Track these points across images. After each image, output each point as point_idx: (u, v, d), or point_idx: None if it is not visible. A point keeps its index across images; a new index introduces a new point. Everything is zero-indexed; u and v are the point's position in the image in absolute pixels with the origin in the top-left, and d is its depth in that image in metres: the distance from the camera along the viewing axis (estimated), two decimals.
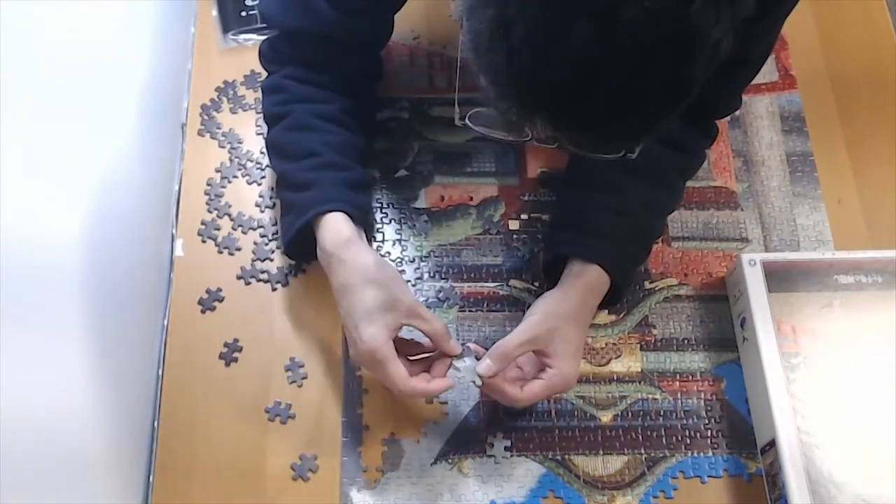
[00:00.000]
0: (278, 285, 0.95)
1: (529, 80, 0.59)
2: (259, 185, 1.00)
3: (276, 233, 0.97)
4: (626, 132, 0.64)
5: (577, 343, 0.86)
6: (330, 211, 0.86)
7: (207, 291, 0.95)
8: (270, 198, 0.99)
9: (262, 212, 0.99)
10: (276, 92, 0.93)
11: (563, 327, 0.85)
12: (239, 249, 0.97)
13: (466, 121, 0.75)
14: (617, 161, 0.69)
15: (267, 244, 0.97)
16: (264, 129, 0.99)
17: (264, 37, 0.96)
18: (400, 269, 0.97)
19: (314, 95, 0.91)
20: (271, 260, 0.97)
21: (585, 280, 0.88)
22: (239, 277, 0.95)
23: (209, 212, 0.99)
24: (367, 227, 0.91)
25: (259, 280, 0.96)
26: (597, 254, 0.88)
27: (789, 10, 0.84)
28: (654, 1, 0.55)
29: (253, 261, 0.96)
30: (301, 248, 0.90)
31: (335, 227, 0.86)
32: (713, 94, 0.89)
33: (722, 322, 0.96)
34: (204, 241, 0.97)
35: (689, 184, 1.02)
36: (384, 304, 0.82)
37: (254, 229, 0.98)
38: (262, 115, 0.99)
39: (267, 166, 1.00)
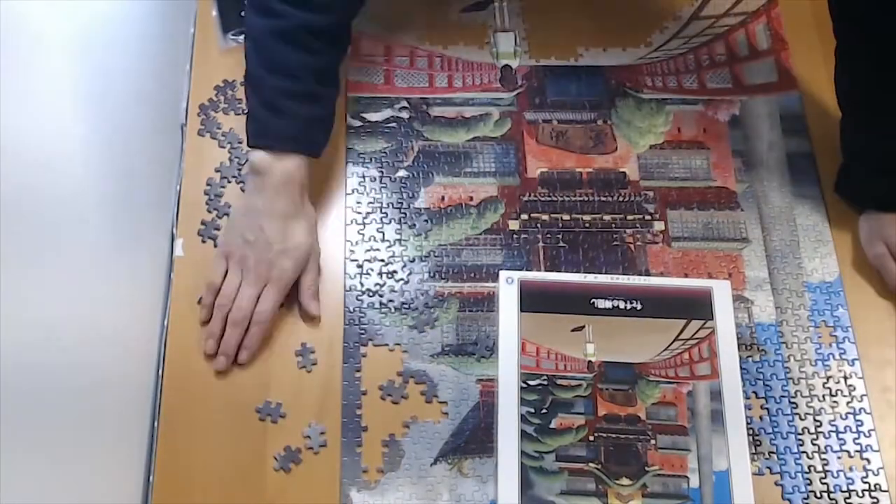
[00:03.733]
0: None
1: None
2: None
3: None
4: None
5: None
6: (297, 152, 0.91)
7: None
8: None
9: None
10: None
11: None
12: None
13: None
14: None
15: None
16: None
17: None
18: (399, 269, 0.97)
19: (311, 3, 0.90)
20: None
21: None
22: None
23: (209, 212, 0.99)
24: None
25: None
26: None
27: None
28: None
29: None
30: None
31: (297, 166, 0.91)
32: None
33: None
34: (204, 241, 0.97)
35: (689, 184, 1.03)
36: (305, 249, 0.92)
37: None
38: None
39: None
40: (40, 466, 0.68)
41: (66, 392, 0.75)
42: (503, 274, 0.93)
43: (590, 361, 0.90)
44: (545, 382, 0.89)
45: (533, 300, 0.91)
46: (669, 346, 0.91)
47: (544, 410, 0.88)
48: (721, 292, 0.93)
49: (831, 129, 1.04)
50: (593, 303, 0.92)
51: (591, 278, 0.93)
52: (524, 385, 0.88)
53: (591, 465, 0.86)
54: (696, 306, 0.92)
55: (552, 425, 0.88)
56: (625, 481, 0.86)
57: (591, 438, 0.87)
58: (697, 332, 0.91)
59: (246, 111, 0.96)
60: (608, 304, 0.92)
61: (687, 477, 0.86)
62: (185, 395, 0.90)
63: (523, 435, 0.86)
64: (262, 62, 0.92)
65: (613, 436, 0.88)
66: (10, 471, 0.62)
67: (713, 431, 0.87)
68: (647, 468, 0.86)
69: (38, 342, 0.70)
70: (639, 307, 0.92)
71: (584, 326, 0.91)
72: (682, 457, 0.87)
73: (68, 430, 0.75)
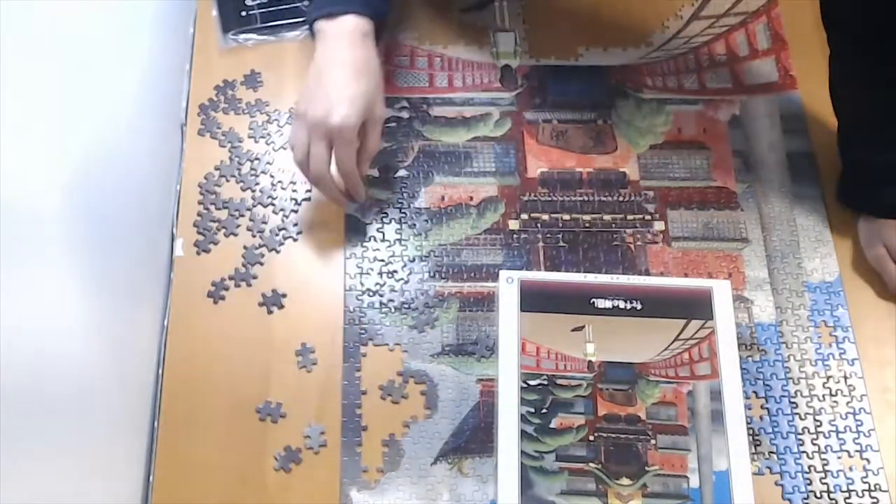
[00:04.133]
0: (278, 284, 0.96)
1: None
2: (258, 184, 1.00)
3: (276, 232, 0.97)
4: None
5: None
6: (356, 13, 0.92)
7: (207, 291, 0.95)
8: (269, 196, 0.99)
9: (263, 210, 0.99)
10: None
11: None
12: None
13: None
14: None
15: (267, 244, 0.97)
16: (267, 128, 1.00)
17: (268, 36, 0.96)
18: (400, 268, 0.97)
19: None
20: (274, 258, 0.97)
21: None
22: (240, 278, 0.95)
23: (209, 211, 0.99)
24: (377, 34, 0.95)
25: (259, 279, 0.95)
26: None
27: None
28: None
29: (253, 262, 0.96)
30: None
31: (357, 22, 0.92)
32: None
33: None
34: (204, 241, 0.97)
35: (689, 183, 1.03)
36: (369, 98, 0.91)
37: (254, 229, 0.98)
38: (270, 112, 1.00)
39: (267, 163, 1.01)
40: (40, 466, 0.68)
41: (66, 392, 0.75)
42: (503, 274, 0.93)
43: (590, 361, 0.90)
44: (545, 382, 0.89)
45: (533, 300, 0.91)
46: (669, 345, 0.91)
47: (544, 410, 0.88)
48: (721, 292, 0.93)
49: (831, 129, 1.04)
50: (593, 302, 0.92)
51: (591, 278, 0.93)
52: (524, 385, 0.88)
53: (591, 464, 0.86)
54: (697, 306, 0.92)
55: (552, 425, 0.88)
56: (625, 481, 0.86)
57: (591, 438, 0.87)
58: (697, 331, 0.91)
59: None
60: (608, 303, 0.92)
61: (687, 477, 0.86)
62: (185, 395, 0.90)
63: (523, 435, 0.86)
64: None
65: (613, 436, 0.88)
66: (10, 471, 0.62)
67: (713, 431, 0.87)
68: (647, 468, 0.86)
69: (37, 342, 0.70)
70: (639, 307, 0.92)
71: (584, 326, 0.91)
72: (683, 456, 0.87)
73: (68, 429, 0.75)
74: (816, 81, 1.08)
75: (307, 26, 0.95)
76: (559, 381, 0.89)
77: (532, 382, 0.89)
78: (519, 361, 0.89)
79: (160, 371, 0.92)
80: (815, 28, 1.11)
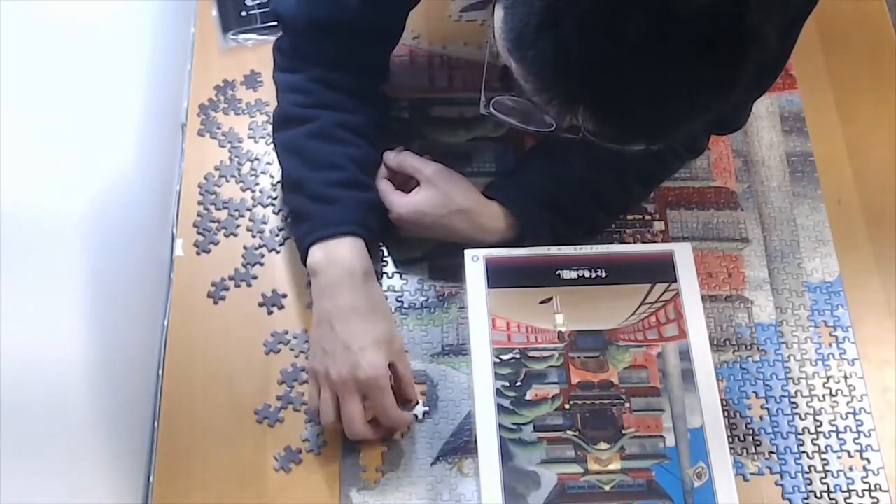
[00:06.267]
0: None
1: (578, 73, 0.59)
2: (258, 184, 1.00)
3: (276, 232, 0.97)
4: (664, 127, 0.64)
5: (435, 217, 0.91)
6: (353, 234, 0.87)
7: (207, 291, 0.95)
8: (269, 197, 0.99)
9: (263, 210, 0.99)
10: (299, 92, 0.92)
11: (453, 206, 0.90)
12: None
13: (490, 108, 0.75)
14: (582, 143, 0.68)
15: (267, 244, 0.97)
16: (267, 128, 1.00)
17: (268, 36, 0.96)
18: (400, 268, 0.97)
19: (343, 104, 0.91)
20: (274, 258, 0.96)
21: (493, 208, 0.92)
22: (240, 278, 0.95)
23: (209, 211, 0.99)
24: (373, 254, 0.90)
25: (259, 279, 0.95)
26: (500, 192, 0.93)
27: (799, 20, 0.83)
28: None
29: (253, 262, 0.96)
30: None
31: (354, 251, 0.87)
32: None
33: (721, 322, 0.96)
34: (204, 241, 0.97)
35: (689, 183, 1.02)
36: (388, 338, 0.86)
37: (254, 229, 0.98)
38: (271, 113, 0.96)
39: (267, 163, 1.00)
40: (40, 466, 0.68)
41: (67, 392, 0.75)
42: (468, 252, 0.92)
43: (560, 332, 0.90)
44: (518, 356, 0.89)
45: (499, 276, 0.92)
46: (636, 310, 0.91)
47: (519, 383, 0.88)
48: (683, 254, 0.93)
49: (831, 129, 1.04)
50: (559, 274, 0.92)
51: (554, 250, 0.93)
52: (497, 360, 0.89)
53: (568, 432, 0.87)
54: (660, 269, 0.92)
55: (527, 397, 0.88)
56: (603, 445, 0.86)
57: (567, 407, 0.88)
58: (662, 294, 0.91)
59: (287, 218, 0.96)
60: (573, 274, 0.92)
61: (663, 437, 0.86)
62: (185, 395, 0.90)
63: (500, 409, 0.87)
64: (302, 164, 0.90)
65: (588, 402, 0.88)
66: (10, 470, 0.62)
67: (685, 390, 0.88)
68: (623, 431, 0.87)
69: (37, 342, 0.70)
70: (603, 275, 0.92)
71: (551, 298, 0.91)
72: (657, 417, 0.87)
73: (68, 429, 0.75)
74: (816, 81, 1.08)
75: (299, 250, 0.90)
76: (531, 354, 0.89)
77: (504, 357, 0.89)
78: (490, 338, 0.89)
79: (160, 371, 0.92)
80: (815, 28, 1.11)
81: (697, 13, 0.55)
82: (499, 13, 0.64)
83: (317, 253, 0.87)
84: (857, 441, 0.90)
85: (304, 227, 0.89)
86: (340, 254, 0.86)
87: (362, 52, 0.90)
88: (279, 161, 0.94)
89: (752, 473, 0.89)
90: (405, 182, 0.94)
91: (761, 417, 0.91)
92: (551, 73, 0.61)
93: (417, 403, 0.90)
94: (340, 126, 0.90)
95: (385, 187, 0.93)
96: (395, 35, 0.96)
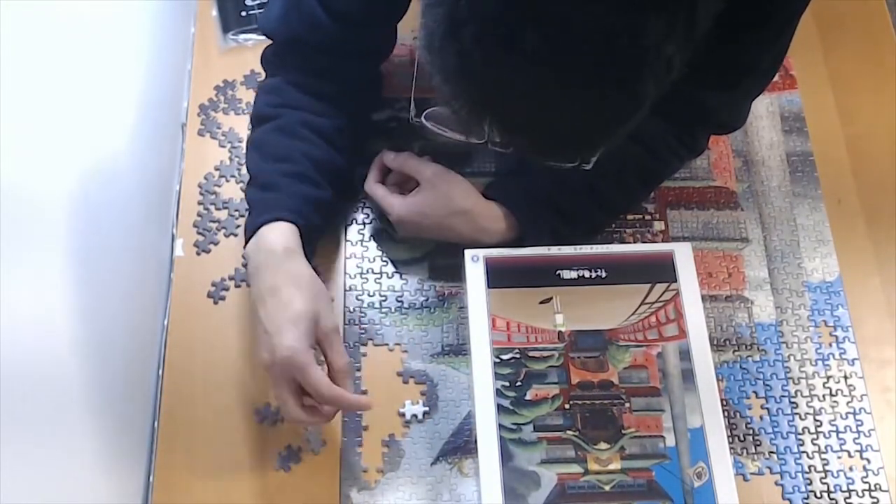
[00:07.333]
0: None
1: (479, 82, 0.59)
2: None
3: None
4: (575, 141, 0.64)
5: (435, 219, 0.91)
6: (283, 220, 0.84)
7: (207, 291, 0.95)
8: None
9: None
10: (272, 93, 0.92)
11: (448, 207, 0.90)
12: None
13: (422, 119, 0.75)
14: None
15: None
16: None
17: (264, 36, 0.96)
18: (400, 268, 0.97)
19: (310, 106, 0.90)
20: None
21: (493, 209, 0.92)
22: (240, 278, 0.95)
23: (209, 211, 0.99)
24: (309, 248, 0.87)
25: None
26: (501, 192, 0.93)
27: (793, 16, 0.83)
28: (606, 13, 0.54)
29: None
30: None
31: (281, 234, 0.83)
32: (714, 103, 0.88)
33: (721, 322, 0.96)
34: (204, 241, 0.97)
35: (689, 183, 1.02)
36: (309, 314, 0.80)
37: None
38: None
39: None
40: (41, 466, 0.68)
41: (67, 392, 0.75)
42: (468, 252, 0.92)
43: (560, 331, 0.90)
44: (518, 356, 0.89)
45: (499, 276, 0.92)
46: (636, 310, 0.91)
47: (519, 383, 0.88)
48: (683, 254, 0.93)
49: (831, 130, 1.04)
50: (559, 274, 0.92)
51: (554, 250, 0.93)
52: (497, 360, 0.89)
53: (568, 432, 0.87)
54: (660, 269, 0.92)
55: (527, 397, 0.88)
56: (603, 445, 0.86)
57: (567, 406, 0.88)
58: (662, 294, 0.91)
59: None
60: (573, 274, 0.92)
61: (663, 436, 0.86)
62: (185, 395, 0.90)
63: (500, 409, 0.87)
64: (260, 157, 0.89)
65: (588, 402, 0.88)
66: (10, 470, 0.62)
67: (685, 390, 0.88)
68: (623, 431, 0.87)
69: (38, 342, 0.70)
70: (603, 275, 0.92)
71: (551, 298, 0.91)
72: (657, 417, 0.87)
73: (68, 429, 0.75)
74: (816, 81, 1.08)
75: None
76: (531, 354, 0.89)
77: (505, 357, 0.89)
78: (490, 338, 0.89)
79: (160, 371, 0.92)
80: (815, 28, 1.11)
81: (595, 27, 0.55)
82: (419, 20, 0.64)
83: (252, 241, 0.85)
84: (857, 441, 0.90)
85: (248, 218, 0.87)
86: (268, 238, 0.83)
87: (340, 67, 0.90)
88: (245, 159, 0.93)
89: (752, 473, 0.89)
90: (402, 183, 0.94)
91: (761, 417, 0.91)
92: (455, 80, 0.61)
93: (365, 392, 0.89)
94: (304, 125, 0.89)
95: (382, 192, 0.93)
96: (377, 53, 0.95)
